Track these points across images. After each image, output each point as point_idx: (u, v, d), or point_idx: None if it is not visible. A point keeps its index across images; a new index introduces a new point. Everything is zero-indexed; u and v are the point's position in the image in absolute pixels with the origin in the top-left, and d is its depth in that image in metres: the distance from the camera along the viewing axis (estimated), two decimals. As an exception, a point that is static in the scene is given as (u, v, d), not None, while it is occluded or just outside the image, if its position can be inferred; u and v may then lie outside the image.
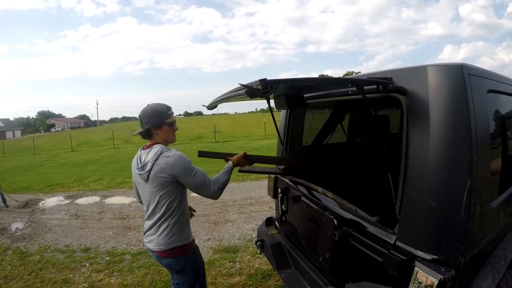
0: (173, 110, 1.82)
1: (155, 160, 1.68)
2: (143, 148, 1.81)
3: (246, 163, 1.99)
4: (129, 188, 7.58)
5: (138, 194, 1.92)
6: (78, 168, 11.96)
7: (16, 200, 6.63)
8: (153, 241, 1.81)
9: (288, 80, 1.38)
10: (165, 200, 1.73)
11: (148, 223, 1.83)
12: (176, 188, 1.74)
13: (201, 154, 2.11)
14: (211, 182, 1.76)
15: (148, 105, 1.81)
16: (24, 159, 16.98)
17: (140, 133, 1.79)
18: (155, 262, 2.03)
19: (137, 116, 1.82)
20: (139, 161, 1.77)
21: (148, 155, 1.73)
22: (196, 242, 4.17)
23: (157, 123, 1.75)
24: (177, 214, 1.79)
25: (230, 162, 1.94)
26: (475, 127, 1.27)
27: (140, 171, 1.74)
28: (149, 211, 1.80)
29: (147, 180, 1.72)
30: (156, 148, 1.72)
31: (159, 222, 1.77)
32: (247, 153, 1.99)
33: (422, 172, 1.32)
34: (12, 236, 4.73)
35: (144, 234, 1.89)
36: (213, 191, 1.76)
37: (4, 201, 6.51)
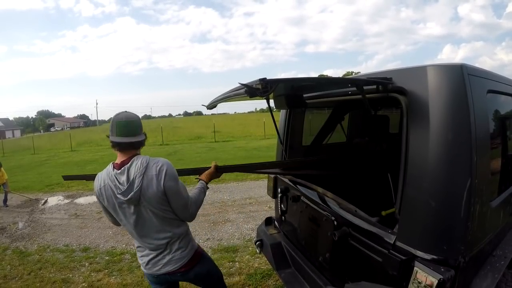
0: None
1: (144, 172, 1.44)
2: (113, 167, 1.49)
3: (218, 175, 1.88)
4: (129, 188, 7.59)
5: (126, 222, 1.56)
6: (77, 167, 11.95)
7: (37, 199, 6.85)
8: (170, 263, 1.59)
9: (287, 79, 1.39)
10: (170, 213, 1.54)
11: (159, 249, 1.58)
12: None
13: (67, 177, 2.07)
14: (191, 201, 1.59)
15: (122, 112, 1.55)
16: (24, 159, 16.96)
17: (131, 143, 1.48)
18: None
19: (119, 123, 1.48)
20: (117, 183, 1.45)
21: (130, 171, 1.45)
22: (196, 242, 4.18)
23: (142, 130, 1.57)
24: (184, 222, 1.66)
25: (202, 182, 1.77)
26: (474, 127, 1.28)
27: (126, 195, 1.42)
28: (154, 237, 1.55)
29: (138, 201, 1.44)
30: (140, 158, 1.47)
31: (171, 241, 1.58)
32: (218, 165, 1.86)
33: (422, 172, 1.32)
34: (11, 236, 4.73)
35: (148, 264, 1.62)
36: (191, 212, 1.60)
37: (5, 201, 6.52)
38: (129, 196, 1.43)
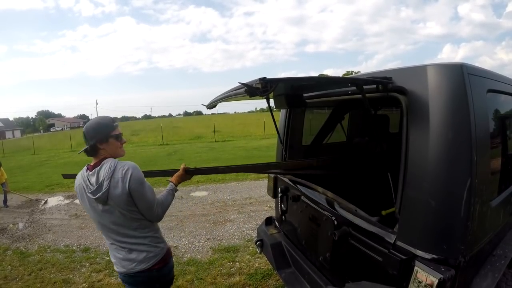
0: (117, 123, 1.70)
1: (111, 175, 1.53)
2: (87, 168, 1.63)
3: (187, 178, 1.91)
4: (129, 188, 7.59)
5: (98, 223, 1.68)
6: (78, 168, 11.76)
7: (37, 199, 6.87)
8: (144, 261, 1.65)
9: (287, 79, 1.38)
10: (137, 214, 1.60)
11: (128, 247, 1.64)
12: None
13: (67, 176, 2.07)
14: (157, 203, 1.65)
15: (91, 119, 1.69)
16: (24, 159, 16.97)
17: (86, 150, 1.62)
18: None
19: (82, 133, 1.63)
20: (88, 184, 1.57)
21: (99, 173, 1.56)
22: (196, 242, 4.19)
23: (103, 137, 1.60)
24: (153, 223, 1.72)
25: (172, 184, 1.82)
26: (474, 126, 1.28)
27: (95, 194, 1.53)
28: (123, 234, 1.63)
29: (106, 201, 1.54)
30: (108, 162, 1.57)
31: (142, 238, 1.65)
32: (187, 167, 1.89)
33: (422, 172, 1.32)
34: (12, 236, 4.73)
35: (121, 263, 1.67)
36: (157, 214, 1.65)
37: (5, 201, 6.52)
38: (97, 196, 1.54)
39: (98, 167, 1.58)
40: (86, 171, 1.62)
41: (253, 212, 5.13)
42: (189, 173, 1.90)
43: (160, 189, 7.34)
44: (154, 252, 1.67)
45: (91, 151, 1.61)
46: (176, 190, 1.83)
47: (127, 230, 1.62)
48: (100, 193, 1.52)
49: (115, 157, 1.65)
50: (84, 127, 1.64)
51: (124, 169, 1.54)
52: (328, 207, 1.94)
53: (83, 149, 1.63)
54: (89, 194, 1.56)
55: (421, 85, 1.36)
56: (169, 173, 1.91)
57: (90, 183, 1.56)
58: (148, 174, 1.73)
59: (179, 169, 1.89)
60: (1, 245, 4.36)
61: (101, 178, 1.54)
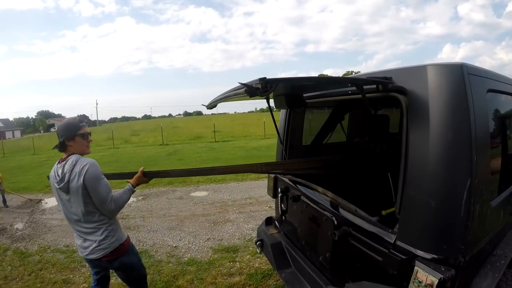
0: (85, 123, 1.90)
1: (72, 169, 1.75)
2: (58, 162, 1.86)
3: (145, 180, 2.02)
4: (129, 188, 7.58)
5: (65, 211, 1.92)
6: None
7: (31, 199, 6.86)
8: (94, 251, 1.84)
9: (287, 79, 1.38)
10: (92, 207, 1.79)
11: (83, 237, 1.87)
12: None
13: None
14: (112, 199, 1.81)
15: (64, 119, 1.89)
16: (24, 159, 16.96)
17: (56, 146, 1.85)
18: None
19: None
20: (56, 175, 1.80)
21: (64, 167, 1.79)
22: (196, 242, 4.19)
23: (70, 135, 1.82)
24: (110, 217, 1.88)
25: (130, 184, 1.97)
26: (474, 126, 1.28)
27: (59, 184, 1.77)
28: (80, 224, 1.84)
29: (68, 191, 1.77)
30: (72, 158, 1.80)
31: (95, 230, 1.83)
32: (145, 170, 2.01)
33: (422, 172, 1.32)
34: (12, 237, 4.73)
35: (80, 248, 1.92)
36: (109, 209, 1.81)
37: (4, 201, 6.52)
38: (60, 186, 1.78)
39: (65, 161, 1.81)
40: (57, 164, 1.85)
41: (253, 212, 5.13)
42: (146, 176, 2.01)
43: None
44: (104, 245, 1.84)
45: (61, 147, 1.84)
46: (134, 191, 1.99)
47: (83, 221, 1.83)
48: (62, 184, 1.76)
49: (82, 154, 1.86)
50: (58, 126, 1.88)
51: (82, 164, 1.76)
52: (328, 207, 1.94)
53: (55, 145, 1.87)
54: (55, 184, 1.81)
55: (421, 85, 1.36)
56: (130, 175, 2.04)
57: (58, 174, 1.80)
58: (111, 176, 1.98)
59: (138, 172, 2.02)
60: (1, 245, 4.36)
61: (65, 171, 1.77)
